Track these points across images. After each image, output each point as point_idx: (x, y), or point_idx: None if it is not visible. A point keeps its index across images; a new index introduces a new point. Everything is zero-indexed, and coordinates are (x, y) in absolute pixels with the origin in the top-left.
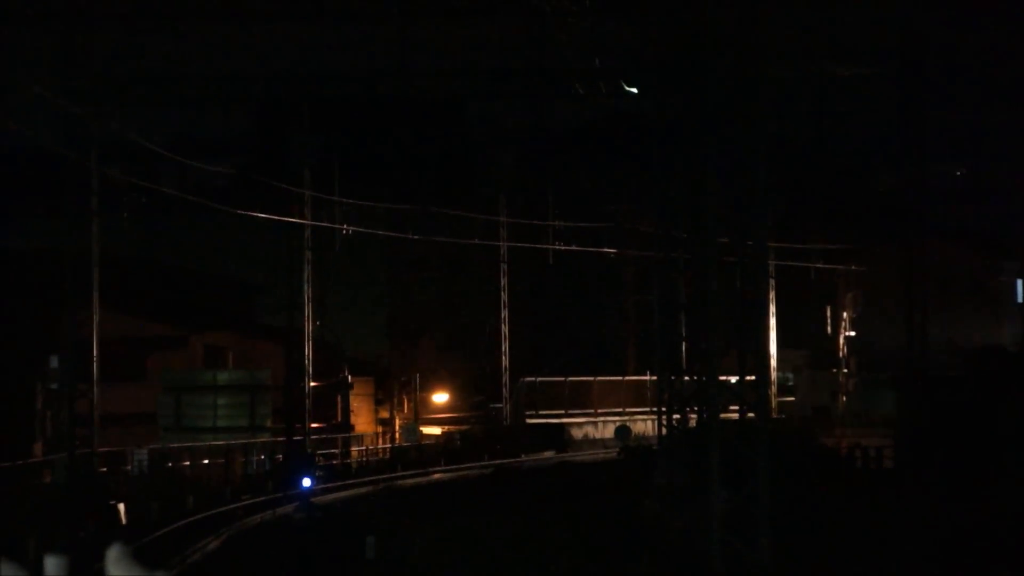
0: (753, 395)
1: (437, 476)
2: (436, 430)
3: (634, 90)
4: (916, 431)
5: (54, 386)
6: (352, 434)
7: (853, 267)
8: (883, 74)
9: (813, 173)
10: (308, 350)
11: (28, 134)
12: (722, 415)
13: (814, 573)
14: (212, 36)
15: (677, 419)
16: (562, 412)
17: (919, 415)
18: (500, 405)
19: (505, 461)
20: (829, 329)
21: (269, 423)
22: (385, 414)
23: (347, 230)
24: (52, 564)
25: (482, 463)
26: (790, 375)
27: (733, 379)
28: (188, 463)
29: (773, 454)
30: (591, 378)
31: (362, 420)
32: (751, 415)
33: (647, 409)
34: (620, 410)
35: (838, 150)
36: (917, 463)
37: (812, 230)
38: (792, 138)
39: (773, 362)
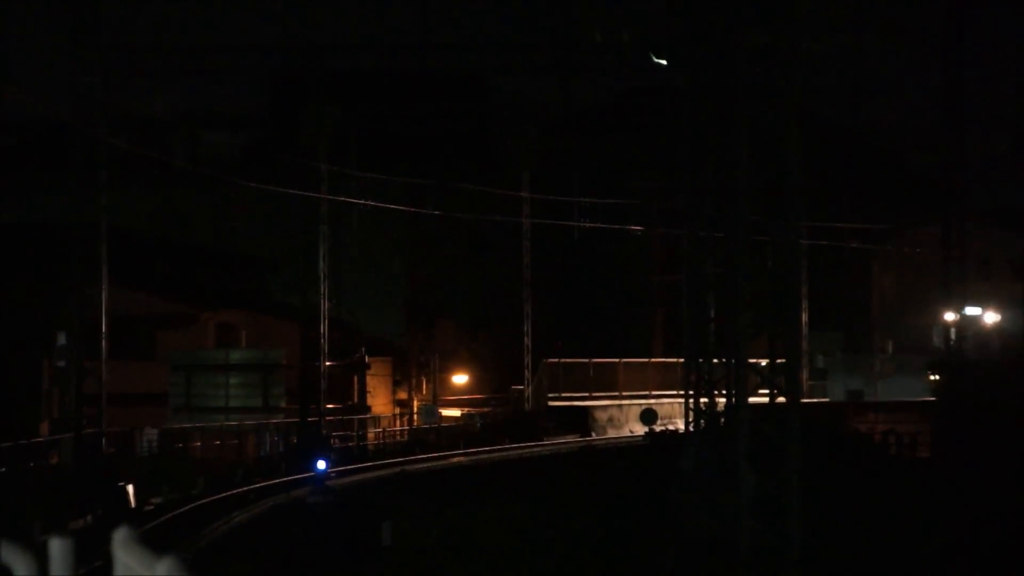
0: (783, 378)
1: (456, 460)
2: (456, 412)
3: (663, 62)
4: (954, 417)
5: (61, 364)
6: (369, 416)
7: (889, 247)
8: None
9: (847, 150)
10: (324, 329)
11: (36, 104)
12: (751, 399)
13: (845, 562)
14: (227, 5)
15: (705, 402)
16: (586, 395)
17: (958, 400)
18: (522, 387)
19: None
20: (863, 311)
21: (283, 404)
22: (403, 395)
23: (365, 205)
24: (57, 547)
25: (502, 446)
26: (821, 357)
27: (763, 362)
28: (199, 444)
29: (804, 439)
30: (616, 360)
31: (379, 401)
32: (781, 399)
33: (674, 392)
34: (646, 393)
35: (874, 126)
36: (954, 450)
37: (846, 209)
38: (826, 113)
39: (804, 344)
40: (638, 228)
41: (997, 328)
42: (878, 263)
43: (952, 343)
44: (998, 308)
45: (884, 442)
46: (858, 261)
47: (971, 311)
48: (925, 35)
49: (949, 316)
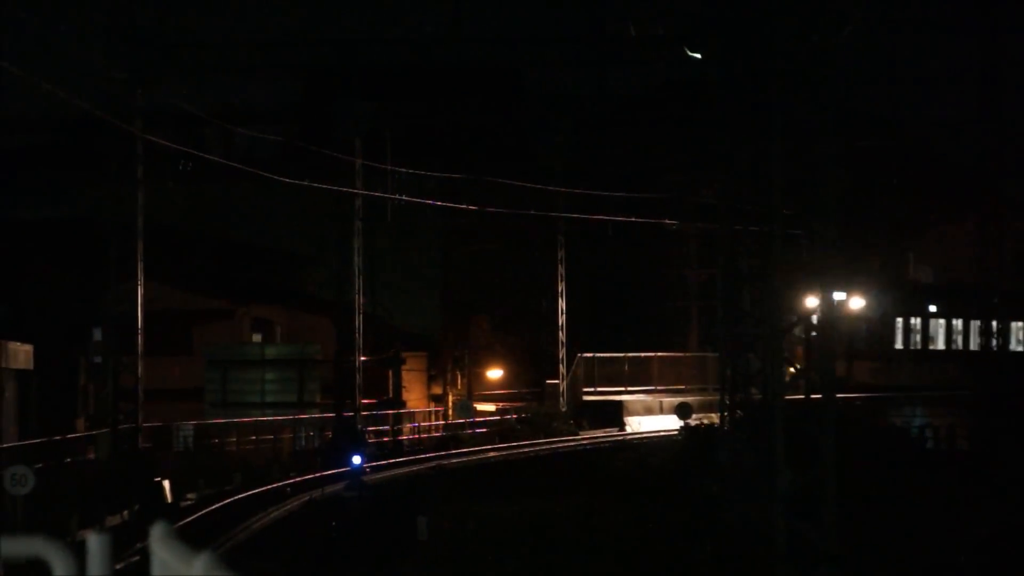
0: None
1: (491, 455)
2: (490, 407)
3: (697, 55)
4: (993, 410)
5: (97, 359)
6: (404, 410)
7: (925, 240)
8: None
9: (883, 143)
10: (359, 323)
11: (73, 101)
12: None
13: (882, 557)
14: (260, 1)
15: (740, 397)
16: (621, 389)
17: (997, 393)
18: (556, 381)
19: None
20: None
21: (318, 399)
22: (438, 390)
23: (399, 200)
24: (95, 543)
25: (537, 440)
26: None
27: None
28: (235, 439)
29: (839, 434)
30: (651, 354)
31: (414, 396)
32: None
33: (709, 386)
34: (681, 387)
35: (910, 119)
36: (994, 443)
37: (881, 203)
38: (861, 107)
39: None
40: (673, 223)
41: None
42: (914, 256)
43: (995, 337)
44: None
45: (921, 435)
46: (894, 254)
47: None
48: (962, 25)
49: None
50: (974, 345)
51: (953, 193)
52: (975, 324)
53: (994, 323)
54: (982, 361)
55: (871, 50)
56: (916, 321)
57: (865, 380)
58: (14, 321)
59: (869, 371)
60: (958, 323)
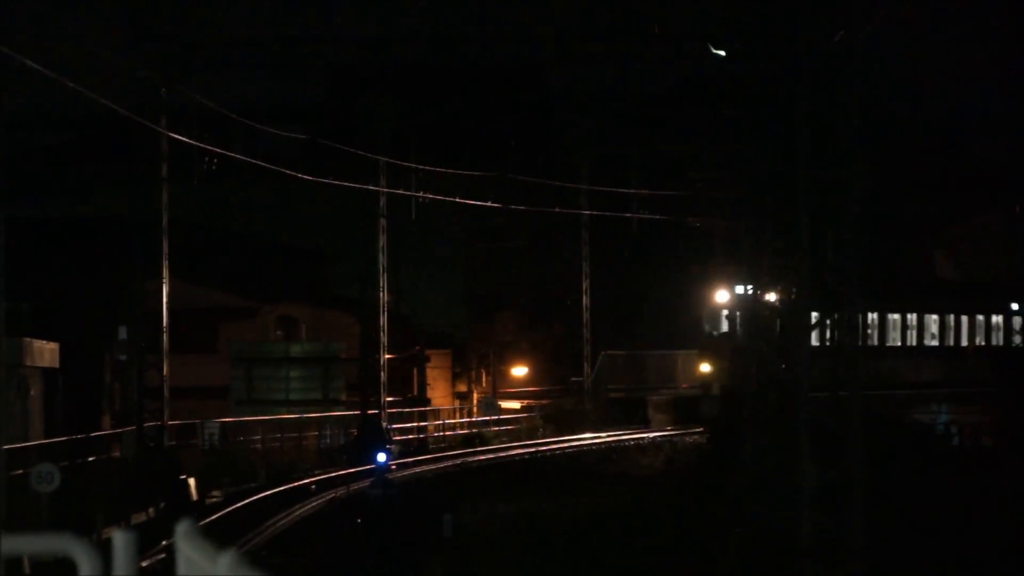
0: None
1: (516, 452)
2: (515, 404)
3: (722, 53)
4: (1018, 406)
5: (123, 358)
6: (429, 408)
7: (952, 235)
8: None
9: (907, 139)
10: (383, 321)
11: (98, 99)
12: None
13: (908, 555)
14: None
15: (766, 394)
16: (645, 386)
17: (1021, 390)
18: (581, 379)
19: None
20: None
21: (343, 396)
22: (463, 388)
23: (423, 198)
24: (121, 541)
25: (562, 438)
26: None
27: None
28: (260, 437)
29: (865, 431)
30: (676, 351)
31: (439, 394)
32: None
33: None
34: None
35: (935, 115)
36: (1019, 440)
37: (905, 198)
38: (885, 103)
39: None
40: (697, 221)
41: None
42: (940, 251)
43: (1018, 333)
44: None
45: (947, 432)
46: (920, 249)
47: None
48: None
49: (1015, 305)
50: (997, 341)
51: (980, 188)
52: (997, 319)
53: (1017, 319)
54: (1006, 357)
55: (897, 46)
56: (936, 317)
57: (888, 376)
58: (40, 320)
59: (891, 367)
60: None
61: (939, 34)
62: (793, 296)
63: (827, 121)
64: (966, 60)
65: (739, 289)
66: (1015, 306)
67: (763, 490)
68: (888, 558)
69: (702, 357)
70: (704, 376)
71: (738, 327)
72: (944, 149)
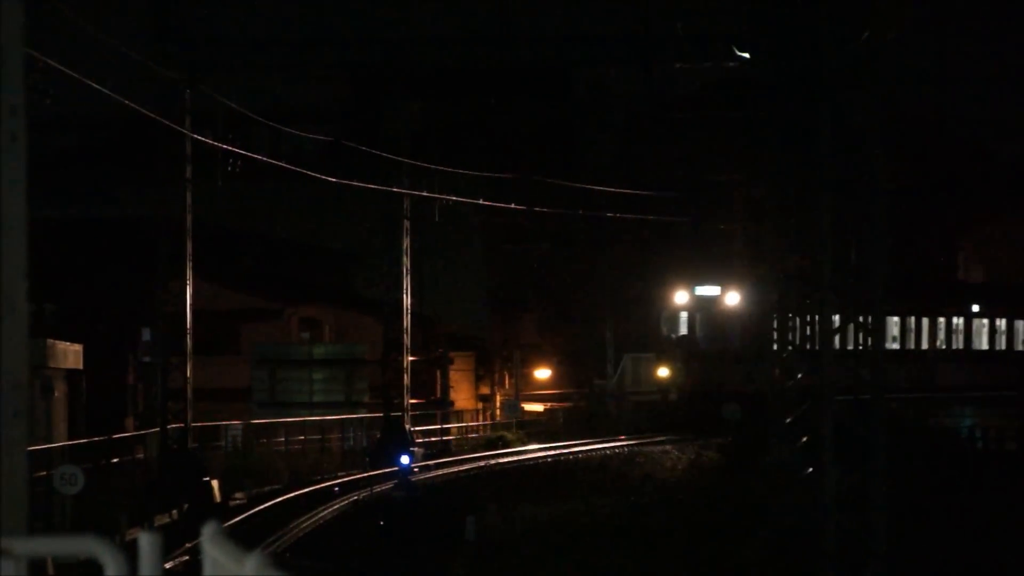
0: (868, 371)
1: (539, 455)
2: (538, 407)
3: (746, 55)
4: None
5: (146, 359)
6: (452, 410)
7: (977, 237)
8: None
9: (931, 141)
10: (406, 323)
11: (122, 101)
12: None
13: (931, 557)
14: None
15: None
16: (668, 388)
17: None
18: (603, 381)
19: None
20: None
21: (366, 399)
22: (486, 390)
23: (447, 200)
24: (146, 543)
25: (585, 441)
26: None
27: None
28: (283, 439)
29: (889, 433)
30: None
31: (462, 396)
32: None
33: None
34: None
35: (958, 118)
36: None
37: (930, 200)
38: (909, 105)
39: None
40: (722, 224)
41: None
42: (962, 254)
43: None
44: None
45: (971, 435)
46: (942, 250)
47: None
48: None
49: None
50: (1020, 345)
51: (1006, 190)
52: (1020, 324)
53: None
54: None
55: (921, 49)
56: (959, 321)
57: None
58: (64, 321)
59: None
60: (1002, 323)
61: (966, 35)
62: (817, 298)
63: (851, 122)
64: (992, 61)
65: (699, 290)
66: None
67: (787, 491)
68: (911, 560)
69: (660, 361)
70: (661, 381)
71: (697, 329)
72: (969, 150)
